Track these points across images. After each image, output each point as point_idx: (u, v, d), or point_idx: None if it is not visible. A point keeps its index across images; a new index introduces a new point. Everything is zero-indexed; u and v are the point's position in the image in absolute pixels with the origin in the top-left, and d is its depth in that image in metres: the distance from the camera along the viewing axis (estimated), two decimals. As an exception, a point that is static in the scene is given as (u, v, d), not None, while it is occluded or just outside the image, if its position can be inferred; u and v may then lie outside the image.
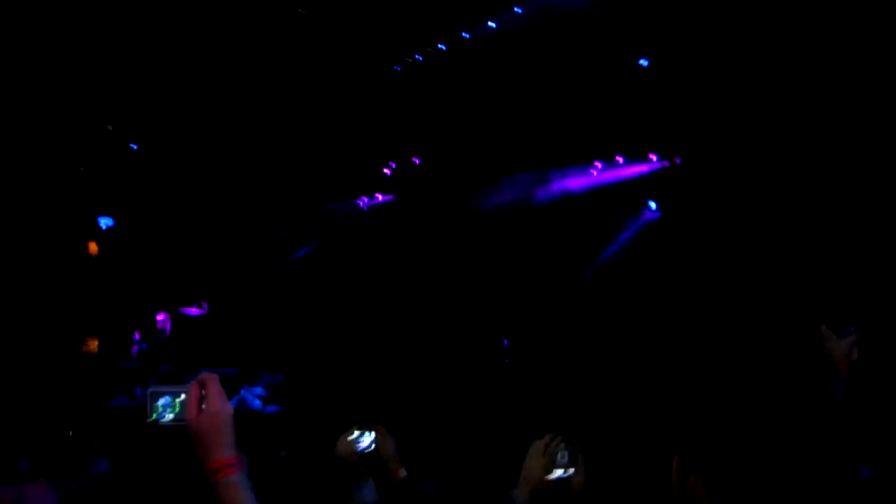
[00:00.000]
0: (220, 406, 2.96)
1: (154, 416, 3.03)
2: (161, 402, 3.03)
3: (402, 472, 5.27)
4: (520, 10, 15.88)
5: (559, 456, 4.65)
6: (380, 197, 19.21)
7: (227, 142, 18.47)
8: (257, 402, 15.78)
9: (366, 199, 19.36)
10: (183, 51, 16.83)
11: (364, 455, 5.21)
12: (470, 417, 13.22)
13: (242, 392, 15.77)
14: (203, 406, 2.95)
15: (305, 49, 16.97)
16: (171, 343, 17.26)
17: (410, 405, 14.12)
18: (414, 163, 18.44)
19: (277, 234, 18.56)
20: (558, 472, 4.67)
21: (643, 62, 15.34)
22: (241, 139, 18.36)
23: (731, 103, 14.60)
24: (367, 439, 5.23)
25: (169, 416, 3.00)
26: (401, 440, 5.32)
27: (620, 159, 16.57)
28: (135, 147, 18.65)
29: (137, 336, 17.54)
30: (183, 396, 2.99)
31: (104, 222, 18.82)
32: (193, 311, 17.85)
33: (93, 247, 18.99)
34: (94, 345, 18.35)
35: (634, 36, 15.25)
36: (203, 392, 2.97)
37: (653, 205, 16.10)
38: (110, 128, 18.47)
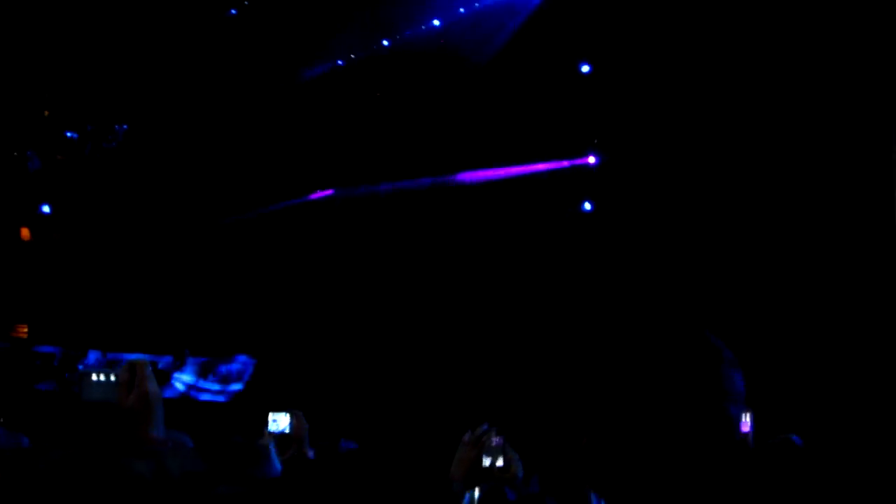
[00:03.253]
0: (149, 388, 3.11)
1: (85, 395, 3.19)
2: (93, 380, 3.19)
3: (310, 454, 5.46)
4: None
5: (491, 446, 4.81)
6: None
7: (166, 125, 18.39)
8: (194, 391, 15.77)
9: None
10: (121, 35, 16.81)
11: (282, 437, 5.42)
12: (403, 408, 13.30)
13: (174, 379, 15.77)
14: (133, 388, 3.10)
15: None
16: (104, 325, 17.15)
17: (346, 389, 14.20)
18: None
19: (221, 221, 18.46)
20: (489, 462, 4.84)
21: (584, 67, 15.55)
22: (179, 124, 18.28)
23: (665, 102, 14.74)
24: (280, 422, 5.42)
25: (99, 396, 3.16)
26: (330, 420, 5.51)
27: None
28: (72, 136, 18.50)
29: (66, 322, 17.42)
30: (114, 378, 3.14)
31: (42, 209, 18.66)
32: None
33: (25, 233, 18.82)
34: (23, 331, 18.21)
35: (572, 38, 15.45)
36: (134, 374, 3.13)
37: (587, 205, 16.17)
38: (47, 113, 18.35)
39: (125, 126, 18.11)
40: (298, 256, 17.99)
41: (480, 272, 16.37)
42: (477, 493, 4.91)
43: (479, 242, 16.51)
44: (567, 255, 15.79)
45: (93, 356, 15.99)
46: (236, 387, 15.99)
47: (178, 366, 16.07)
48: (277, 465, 4.41)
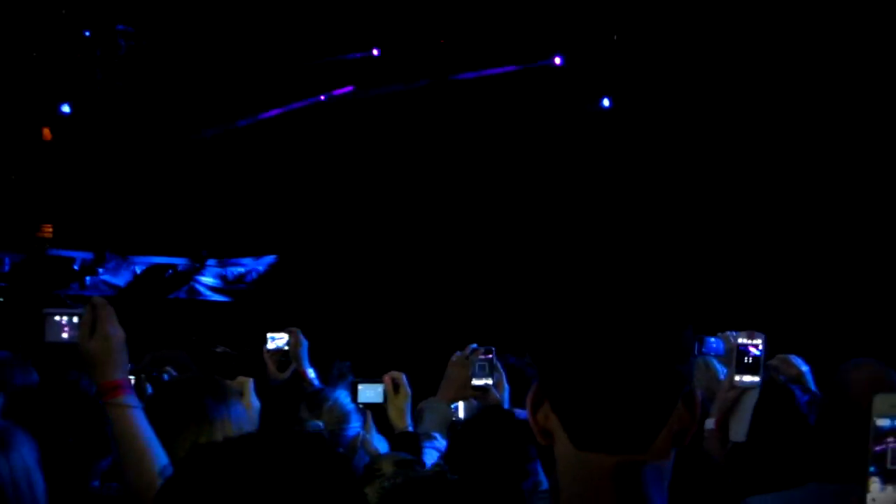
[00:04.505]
0: (110, 330, 3.04)
1: (48, 337, 3.11)
2: (55, 321, 3.11)
3: (310, 373, 5.41)
4: None
5: (478, 366, 4.73)
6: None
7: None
8: (207, 292, 15.85)
9: None
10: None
11: (281, 353, 5.39)
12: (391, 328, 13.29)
13: (194, 282, 15.85)
14: (95, 329, 3.02)
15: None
16: (126, 229, 17.16)
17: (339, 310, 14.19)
18: None
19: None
20: (479, 381, 4.75)
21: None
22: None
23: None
24: (279, 339, 5.38)
25: (61, 338, 3.08)
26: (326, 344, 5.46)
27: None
28: (87, 34, 18.35)
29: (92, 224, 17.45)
30: (77, 319, 3.06)
31: (63, 108, 18.59)
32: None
33: (47, 133, 18.79)
34: (48, 231, 18.27)
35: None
36: (95, 315, 3.05)
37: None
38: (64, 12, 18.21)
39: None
40: (311, 160, 17.94)
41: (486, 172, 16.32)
42: (463, 408, 4.83)
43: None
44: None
45: (112, 260, 16.06)
46: (243, 287, 16.08)
47: (198, 268, 16.14)
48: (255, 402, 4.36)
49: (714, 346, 4.42)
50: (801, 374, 4.40)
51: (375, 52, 17.65)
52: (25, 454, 2.62)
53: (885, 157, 12.79)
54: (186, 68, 18.41)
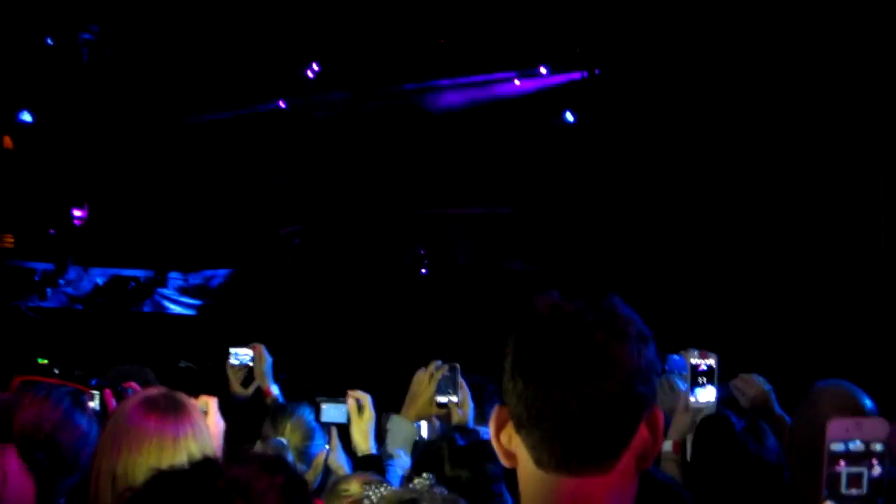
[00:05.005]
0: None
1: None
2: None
3: (274, 391, 5.38)
4: None
5: (443, 383, 4.72)
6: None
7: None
8: (169, 305, 15.75)
9: None
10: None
11: (245, 368, 5.37)
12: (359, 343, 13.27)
13: (156, 294, 15.74)
14: None
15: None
16: (86, 241, 17.06)
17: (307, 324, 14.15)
18: None
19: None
20: (443, 398, 4.74)
21: None
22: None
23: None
24: (242, 355, 5.35)
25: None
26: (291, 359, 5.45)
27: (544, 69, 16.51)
28: (50, 42, 18.24)
29: (53, 232, 17.32)
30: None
31: (22, 117, 18.45)
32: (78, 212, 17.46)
33: (7, 141, 18.65)
34: (9, 240, 18.11)
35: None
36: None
37: (569, 116, 16.08)
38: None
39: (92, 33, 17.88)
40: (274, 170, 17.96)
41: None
42: (426, 427, 4.81)
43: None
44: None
45: (73, 271, 15.95)
46: (205, 301, 16.00)
47: (160, 281, 16.04)
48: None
49: (678, 362, 4.41)
50: (763, 394, 4.38)
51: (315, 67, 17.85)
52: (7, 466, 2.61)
53: (847, 175, 12.87)
54: (148, 75, 18.34)
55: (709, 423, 3.87)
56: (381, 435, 4.65)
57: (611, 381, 1.82)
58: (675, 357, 4.49)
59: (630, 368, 1.83)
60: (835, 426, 1.83)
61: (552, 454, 1.84)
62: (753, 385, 4.39)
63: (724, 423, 3.84)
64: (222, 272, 16.47)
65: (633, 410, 1.84)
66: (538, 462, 1.86)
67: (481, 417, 4.53)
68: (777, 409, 4.29)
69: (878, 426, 1.82)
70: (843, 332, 11.59)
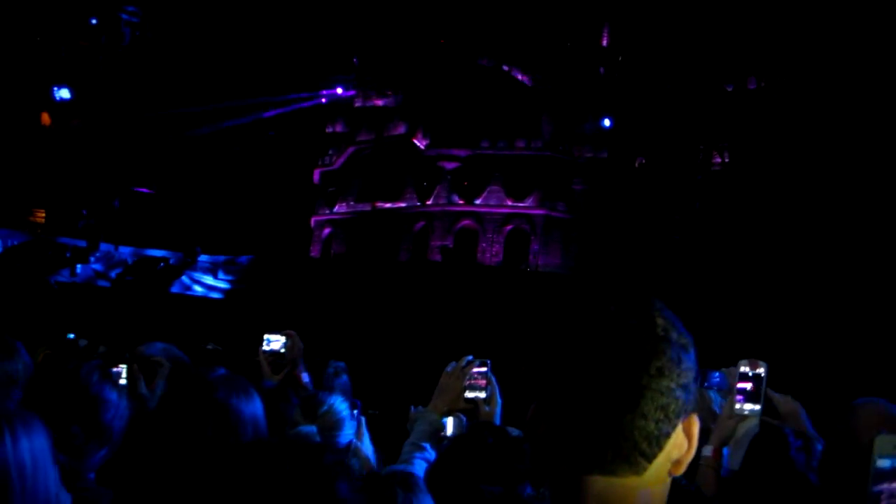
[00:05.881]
0: None
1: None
2: None
3: (304, 377, 5.40)
4: None
5: (473, 379, 4.69)
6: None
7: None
8: (199, 289, 15.83)
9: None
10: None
11: (276, 355, 5.39)
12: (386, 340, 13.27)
13: (185, 275, 15.82)
14: None
15: None
16: (119, 220, 17.18)
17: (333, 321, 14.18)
18: None
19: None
20: (472, 394, 4.72)
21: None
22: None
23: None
24: (276, 342, 5.38)
25: None
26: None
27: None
28: (94, 21, 18.35)
29: (85, 211, 17.43)
30: None
31: (60, 94, 18.56)
32: (144, 189, 17.75)
33: (45, 118, 18.78)
34: (41, 216, 18.25)
35: None
36: None
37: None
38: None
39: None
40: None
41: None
42: (451, 423, 4.80)
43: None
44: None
45: (104, 248, 16.06)
46: (234, 286, 16.07)
47: (190, 263, 16.12)
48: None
49: (717, 380, 4.36)
50: (795, 413, 4.35)
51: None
52: (35, 441, 2.60)
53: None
54: (187, 63, 18.42)
55: (767, 436, 3.84)
56: (406, 426, 4.66)
57: (651, 384, 1.80)
58: (716, 374, 4.44)
59: (670, 372, 1.81)
60: (881, 442, 1.80)
61: (587, 454, 1.82)
62: (788, 402, 4.36)
63: (780, 438, 3.81)
64: (248, 258, 16.55)
65: (670, 414, 1.82)
66: (572, 462, 1.84)
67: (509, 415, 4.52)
68: (810, 428, 4.25)
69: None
70: (871, 354, 11.59)
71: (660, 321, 1.83)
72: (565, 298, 1.94)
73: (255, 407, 3.14)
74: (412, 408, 4.82)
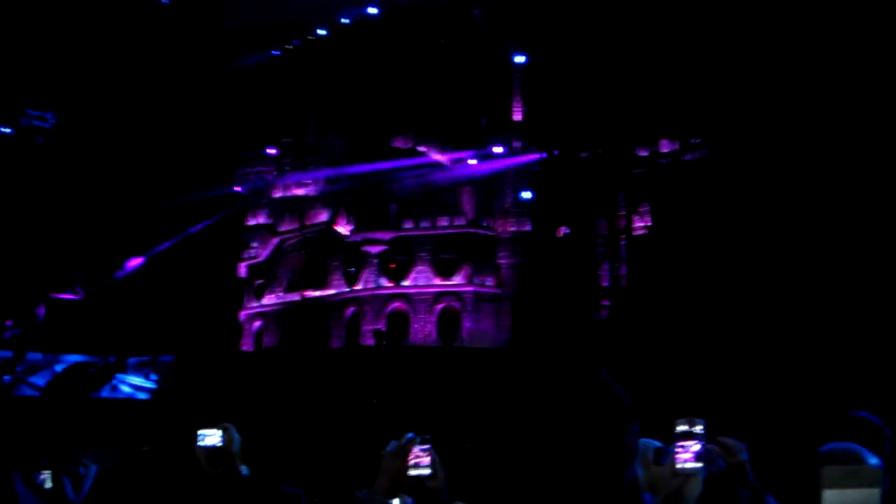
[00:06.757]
0: None
1: None
2: None
3: (243, 470, 5.32)
4: None
5: (417, 455, 4.65)
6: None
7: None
8: (128, 390, 15.62)
9: None
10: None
11: (214, 452, 5.28)
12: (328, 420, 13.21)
13: (115, 380, 15.61)
14: None
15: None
16: (44, 329, 16.96)
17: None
18: None
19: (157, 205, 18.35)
20: (415, 472, 4.67)
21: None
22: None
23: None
24: (212, 437, 5.28)
25: None
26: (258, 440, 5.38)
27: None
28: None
29: (10, 322, 17.20)
30: None
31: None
32: (68, 296, 17.56)
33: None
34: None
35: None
36: None
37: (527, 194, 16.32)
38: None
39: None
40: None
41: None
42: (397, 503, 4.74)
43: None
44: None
45: (32, 357, 15.82)
46: (161, 385, 15.93)
47: (120, 367, 15.92)
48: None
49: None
50: (741, 463, 4.35)
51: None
52: None
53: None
54: (102, 159, 18.36)
55: (716, 493, 3.84)
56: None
57: (591, 467, 1.82)
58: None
59: (610, 454, 1.85)
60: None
61: None
62: (733, 454, 4.36)
63: (730, 494, 3.82)
64: (177, 356, 16.43)
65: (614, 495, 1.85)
66: None
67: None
68: (750, 477, 4.26)
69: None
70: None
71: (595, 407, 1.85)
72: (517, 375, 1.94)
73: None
74: (356, 492, 4.77)
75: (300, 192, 35.20)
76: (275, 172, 34.67)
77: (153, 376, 16.21)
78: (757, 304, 14.07)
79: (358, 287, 33.30)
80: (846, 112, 13.65)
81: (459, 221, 32.73)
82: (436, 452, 4.73)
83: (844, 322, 13.04)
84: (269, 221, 35.86)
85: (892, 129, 13.43)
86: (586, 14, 16.77)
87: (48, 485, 3.99)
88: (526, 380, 1.89)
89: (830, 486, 1.81)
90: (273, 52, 19.37)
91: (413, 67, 19.50)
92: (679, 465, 4.00)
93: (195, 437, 5.41)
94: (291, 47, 20.28)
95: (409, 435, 4.68)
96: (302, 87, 24.21)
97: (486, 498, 1.96)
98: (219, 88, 17.97)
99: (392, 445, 4.76)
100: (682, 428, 4.00)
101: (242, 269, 36.01)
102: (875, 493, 1.80)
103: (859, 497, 1.80)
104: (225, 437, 5.33)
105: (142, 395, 15.68)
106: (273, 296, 34.75)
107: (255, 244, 36.48)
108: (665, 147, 18.19)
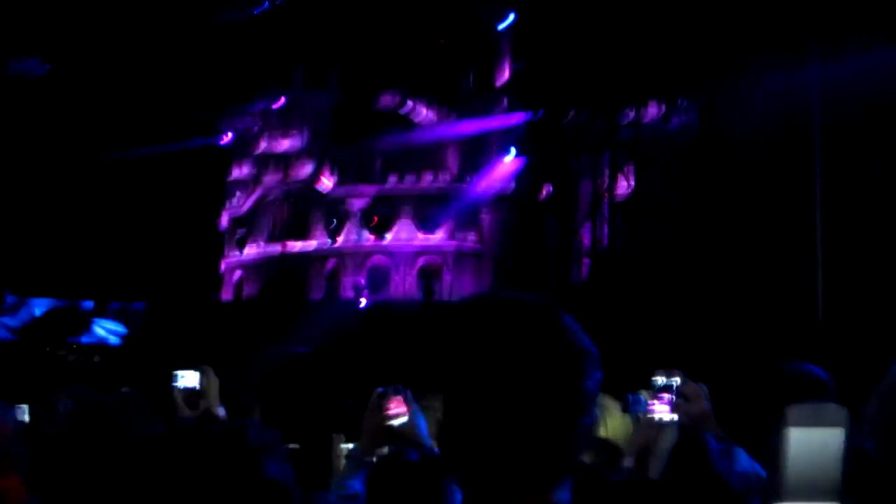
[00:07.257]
0: None
1: None
2: None
3: (220, 411, 5.31)
4: None
5: (393, 406, 4.65)
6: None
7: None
8: (104, 336, 15.59)
9: None
10: None
11: (190, 394, 5.27)
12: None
13: (93, 325, 15.56)
14: None
15: None
16: (21, 269, 16.87)
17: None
18: None
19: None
20: (397, 423, 4.67)
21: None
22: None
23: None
24: (189, 378, 5.26)
25: None
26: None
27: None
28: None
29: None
30: None
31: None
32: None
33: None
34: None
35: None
36: None
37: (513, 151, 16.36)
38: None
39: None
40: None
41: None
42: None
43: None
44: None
45: (9, 299, 15.73)
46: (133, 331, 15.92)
47: (99, 312, 15.89)
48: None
49: (642, 404, 4.35)
50: (706, 411, 4.33)
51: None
52: None
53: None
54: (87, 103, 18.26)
55: (686, 443, 3.83)
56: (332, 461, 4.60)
57: (548, 414, 1.80)
58: (640, 397, 4.41)
59: (568, 400, 1.82)
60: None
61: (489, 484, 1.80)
62: (699, 403, 4.34)
63: (700, 445, 3.81)
64: (142, 304, 16.41)
65: (571, 440, 1.82)
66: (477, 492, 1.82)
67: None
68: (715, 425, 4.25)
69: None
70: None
71: (552, 349, 1.82)
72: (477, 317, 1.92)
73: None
74: (333, 435, 4.77)
75: (285, 144, 35.13)
76: (260, 125, 34.64)
77: (126, 316, 16.20)
78: (734, 271, 14.10)
79: (339, 240, 33.30)
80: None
81: (444, 177, 32.73)
82: (413, 400, 4.73)
83: (826, 286, 13.08)
84: (254, 173, 35.86)
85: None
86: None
87: (24, 418, 3.99)
88: (486, 328, 1.87)
89: (796, 425, 1.80)
90: (262, 5, 19.18)
91: (401, 22, 19.34)
92: (657, 416, 4.02)
93: (171, 377, 5.40)
94: (279, 1, 20.10)
95: (379, 389, 4.67)
96: (289, 41, 24.02)
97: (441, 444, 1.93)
98: (205, 42, 17.85)
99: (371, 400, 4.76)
100: (659, 379, 4.03)
101: (225, 219, 36.06)
102: (840, 432, 1.79)
103: (825, 436, 1.79)
104: (202, 379, 5.32)
105: (114, 340, 15.63)
106: (255, 247, 34.78)
107: (238, 194, 36.51)
108: (653, 108, 18.12)
